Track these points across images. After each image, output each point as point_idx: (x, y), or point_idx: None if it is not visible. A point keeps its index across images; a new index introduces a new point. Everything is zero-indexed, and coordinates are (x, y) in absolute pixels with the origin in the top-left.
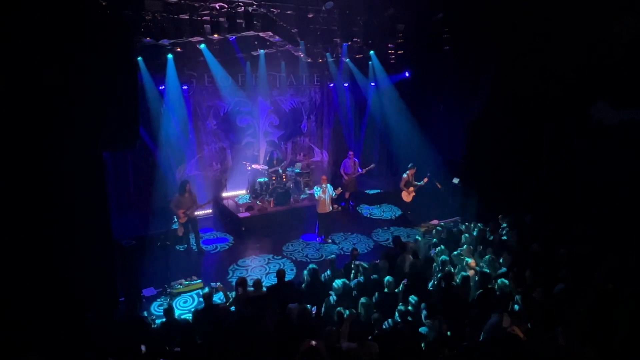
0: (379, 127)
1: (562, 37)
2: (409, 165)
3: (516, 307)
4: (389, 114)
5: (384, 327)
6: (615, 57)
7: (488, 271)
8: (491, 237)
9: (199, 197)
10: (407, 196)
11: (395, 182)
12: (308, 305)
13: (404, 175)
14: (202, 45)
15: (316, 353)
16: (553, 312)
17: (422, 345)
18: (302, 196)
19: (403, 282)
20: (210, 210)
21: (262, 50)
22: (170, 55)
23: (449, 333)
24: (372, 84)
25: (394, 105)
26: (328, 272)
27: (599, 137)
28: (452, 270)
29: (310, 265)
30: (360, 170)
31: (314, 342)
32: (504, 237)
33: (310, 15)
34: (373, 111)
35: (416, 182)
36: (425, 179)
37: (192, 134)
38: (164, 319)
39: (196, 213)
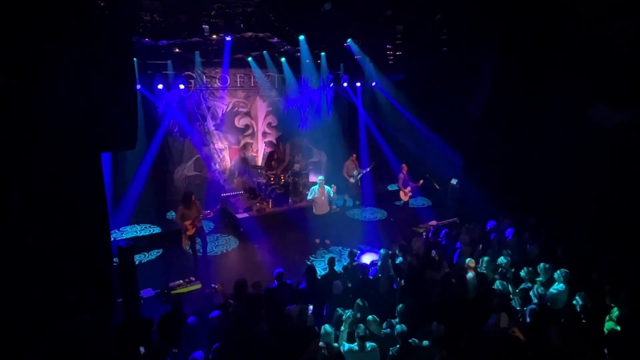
0: (377, 128)
1: (561, 39)
2: (401, 165)
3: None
4: (387, 114)
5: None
6: (614, 59)
7: (486, 272)
8: (490, 238)
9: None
10: (404, 196)
11: (392, 183)
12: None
13: (400, 175)
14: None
15: (323, 354)
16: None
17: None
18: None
19: (399, 282)
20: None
21: (264, 52)
22: (169, 61)
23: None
24: (373, 83)
25: (392, 105)
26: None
27: (598, 138)
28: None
29: (309, 265)
30: (362, 170)
31: (322, 344)
32: (503, 238)
33: (308, 17)
34: (371, 112)
35: (411, 183)
36: (421, 181)
37: (191, 135)
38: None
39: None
